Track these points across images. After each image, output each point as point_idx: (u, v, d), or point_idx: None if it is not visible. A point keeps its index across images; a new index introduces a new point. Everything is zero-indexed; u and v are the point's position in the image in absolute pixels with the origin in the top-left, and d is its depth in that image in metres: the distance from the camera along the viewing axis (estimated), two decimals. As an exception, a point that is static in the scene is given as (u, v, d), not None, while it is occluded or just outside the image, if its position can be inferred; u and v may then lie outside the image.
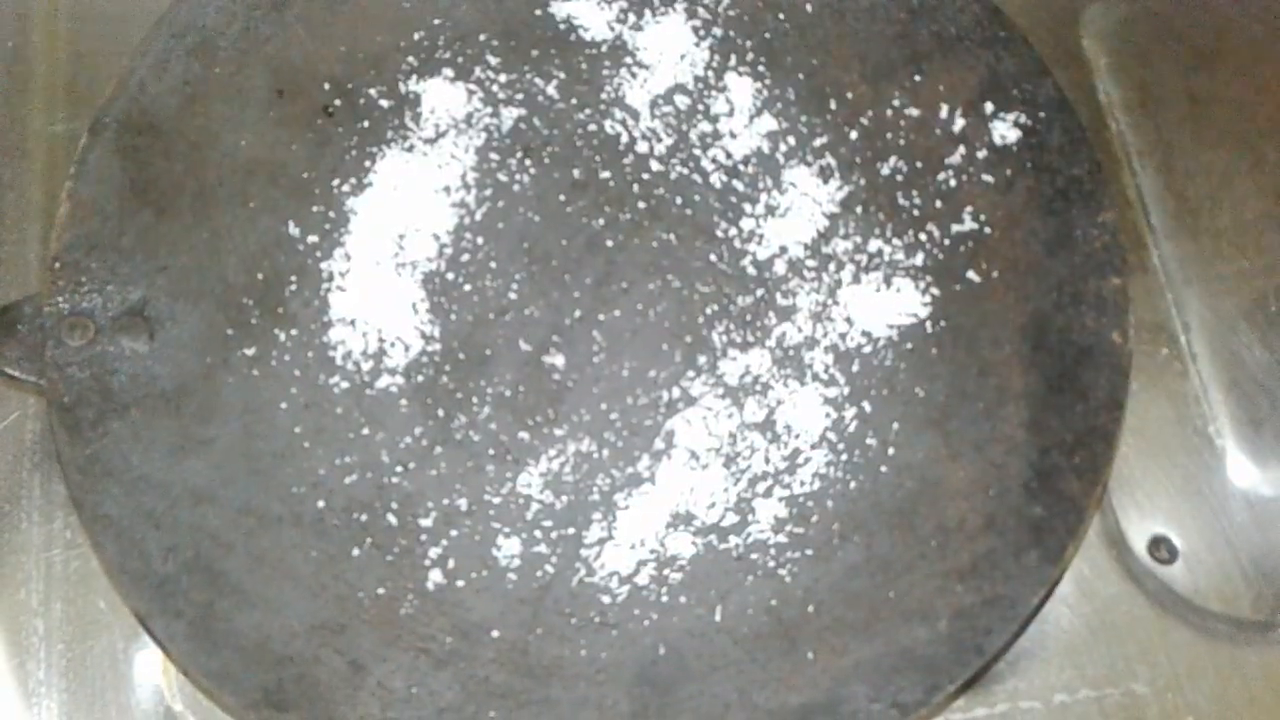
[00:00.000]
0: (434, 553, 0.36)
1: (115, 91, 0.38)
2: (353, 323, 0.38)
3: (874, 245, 0.39)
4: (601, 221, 0.40)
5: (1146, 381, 0.41)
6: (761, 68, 0.41)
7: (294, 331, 0.38)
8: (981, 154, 0.39)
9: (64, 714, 0.36)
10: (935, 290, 0.38)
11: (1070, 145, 0.39)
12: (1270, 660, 0.38)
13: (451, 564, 0.36)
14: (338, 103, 0.40)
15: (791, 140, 0.40)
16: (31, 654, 0.37)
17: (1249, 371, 0.41)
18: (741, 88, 0.41)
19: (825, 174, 0.40)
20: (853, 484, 0.36)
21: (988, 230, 0.38)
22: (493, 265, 0.39)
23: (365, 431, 0.37)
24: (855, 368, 0.38)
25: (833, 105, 0.41)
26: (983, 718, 0.37)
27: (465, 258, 0.39)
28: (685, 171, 0.40)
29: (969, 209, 0.39)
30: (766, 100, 0.41)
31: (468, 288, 0.39)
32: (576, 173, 0.40)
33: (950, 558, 0.34)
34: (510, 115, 0.41)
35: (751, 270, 0.39)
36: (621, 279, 0.39)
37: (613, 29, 0.42)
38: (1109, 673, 0.37)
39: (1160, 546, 0.39)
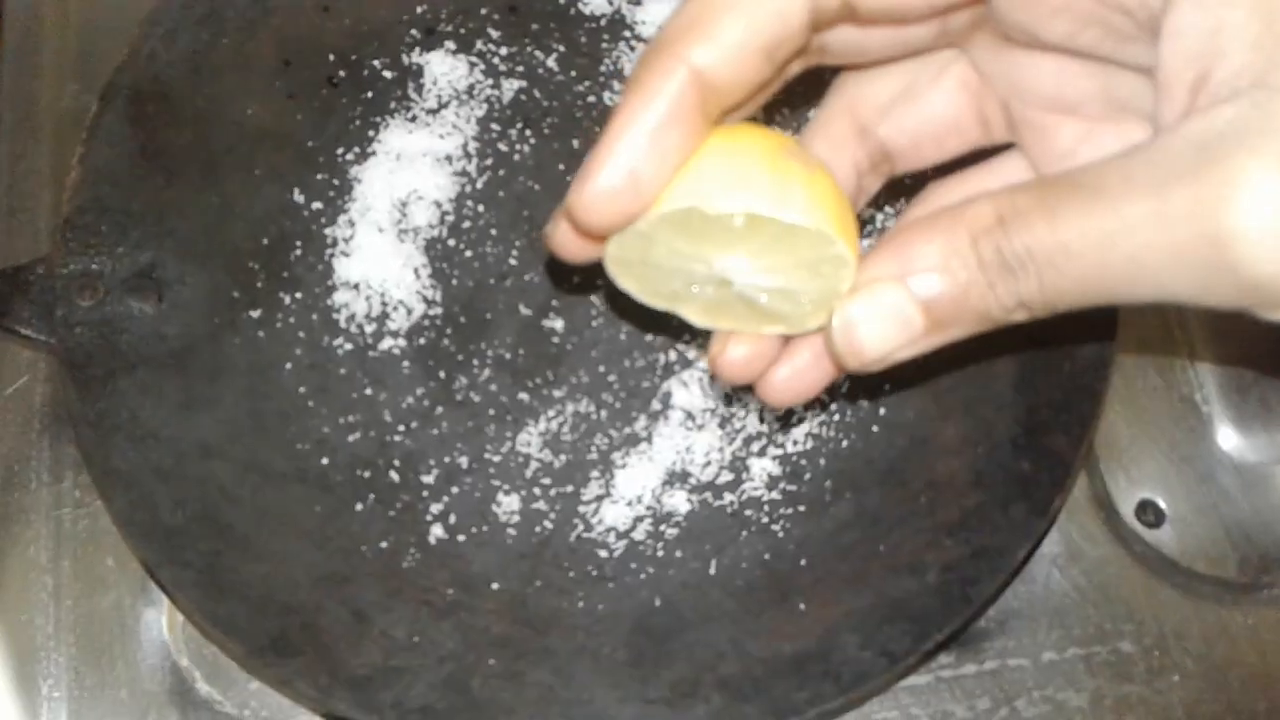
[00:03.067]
0: (435, 508, 0.36)
1: (126, 60, 0.39)
2: (356, 287, 0.39)
3: (867, 214, 0.40)
4: (600, 190, 0.41)
5: (1135, 351, 0.42)
6: (757, 41, 0.42)
7: (299, 295, 0.39)
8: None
9: (72, 668, 0.37)
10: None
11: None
12: (1254, 621, 0.38)
13: (453, 519, 0.36)
14: (342, 74, 0.41)
15: (786, 110, 0.41)
16: (40, 610, 0.38)
17: (1235, 339, 0.42)
18: (738, 60, 0.42)
19: (819, 144, 0.41)
20: (844, 442, 0.37)
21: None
22: (493, 232, 0.40)
23: (368, 392, 0.38)
24: (848, 331, 0.38)
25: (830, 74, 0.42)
26: (972, 675, 0.37)
27: (466, 225, 0.40)
28: (682, 142, 0.41)
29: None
30: (762, 72, 0.42)
31: (469, 254, 0.40)
32: (575, 143, 0.41)
33: (939, 512, 0.35)
34: (511, 87, 0.42)
35: (747, 237, 0.40)
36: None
37: (612, 3, 0.43)
38: (1097, 632, 0.38)
39: (1147, 510, 0.40)
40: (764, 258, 0.24)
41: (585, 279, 0.39)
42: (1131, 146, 0.22)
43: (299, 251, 0.39)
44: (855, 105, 0.28)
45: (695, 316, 0.26)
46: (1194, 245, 0.20)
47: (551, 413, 0.38)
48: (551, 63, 0.42)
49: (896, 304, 0.23)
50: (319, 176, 0.40)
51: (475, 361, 0.38)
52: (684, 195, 0.23)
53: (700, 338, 0.39)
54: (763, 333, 0.26)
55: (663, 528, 0.36)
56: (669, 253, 0.24)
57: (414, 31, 0.42)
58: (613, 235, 0.24)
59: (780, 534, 0.36)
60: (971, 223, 0.22)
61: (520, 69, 0.42)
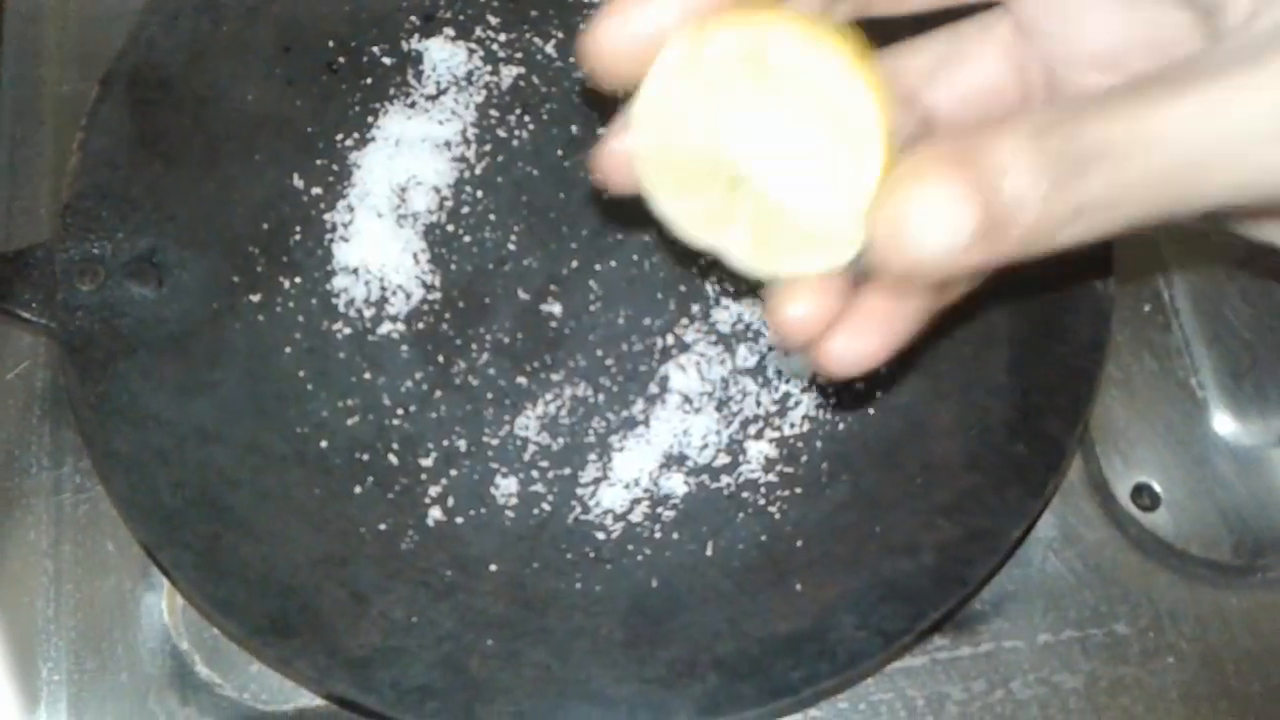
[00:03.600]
0: (434, 491, 0.37)
1: (126, 47, 0.39)
2: (355, 271, 0.39)
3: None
4: (598, 176, 0.41)
5: (1130, 335, 0.42)
6: (754, 27, 0.42)
7: (298, 279, 0.39)
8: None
9: (72, 652, 0.37)
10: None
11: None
12: (1249, 603, 0.39)
13: (451, 502, 0.37)
14: (342, 60, 0.42)
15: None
16: (41, 593, 0.38)
17: (1230, 325, 0.42)
18: (735, 47, 0.42)
19: (816, 130, 0.41)
20: (841, 425, 0.37)
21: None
22: (492, 217, 0.40)
23: (367, 375, 0.38)
24: (844, 315, 0.39)
25: (824, 63, 0.42)
26: (968, 657, 0.38)
27: (465, 210, 0.40)
28: (680, 128, 0.41)
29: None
30: (759, 59, 0.42)
31: (467, 239, 0.40)
32: (574, 129, 0.41)
33: (935, 494, 0.35)
34: (510, 73, 0.42)
35: (744, 222, 0.40)
36: (617, 230, 0.40)
37: (610, -10, 0.43)
38: (1092, 614, 0.38)
39: (1143, 494, 0.40)
40: (789, 112, 0.21)
41: (583, 263, 0.40)
42: (1200, 51, 0.21)
43: (298, 236, 0.39)
44: (899, 75, 0.27)
45: (737, 250, 0.24)
46: None
47: (549, 396, 0.38)
48: (550, 49, 0.42)
49: (949, 196, 0.20)
50: (318, 162, 0.40)
51: (474, 345, 0.39)
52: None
53: (699, 321, 0.39)
54: (810, 272, 0.23)
55: (660, 510, 0.37)
56: (688, 125, 0.22)
57: (413, 18, 0.42)
58: (633, 106, 0.22)
59: (777, 515, 0.36)
60: (1037, 118, 0.21)
61: (519, 55, 0.42)
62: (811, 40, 0.21)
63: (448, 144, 0.41)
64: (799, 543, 0.35)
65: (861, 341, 0.24)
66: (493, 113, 0.41)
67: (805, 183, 0.22)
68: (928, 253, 0.21)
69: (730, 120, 0.22)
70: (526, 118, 0.41)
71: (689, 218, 0.24)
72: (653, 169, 0.24)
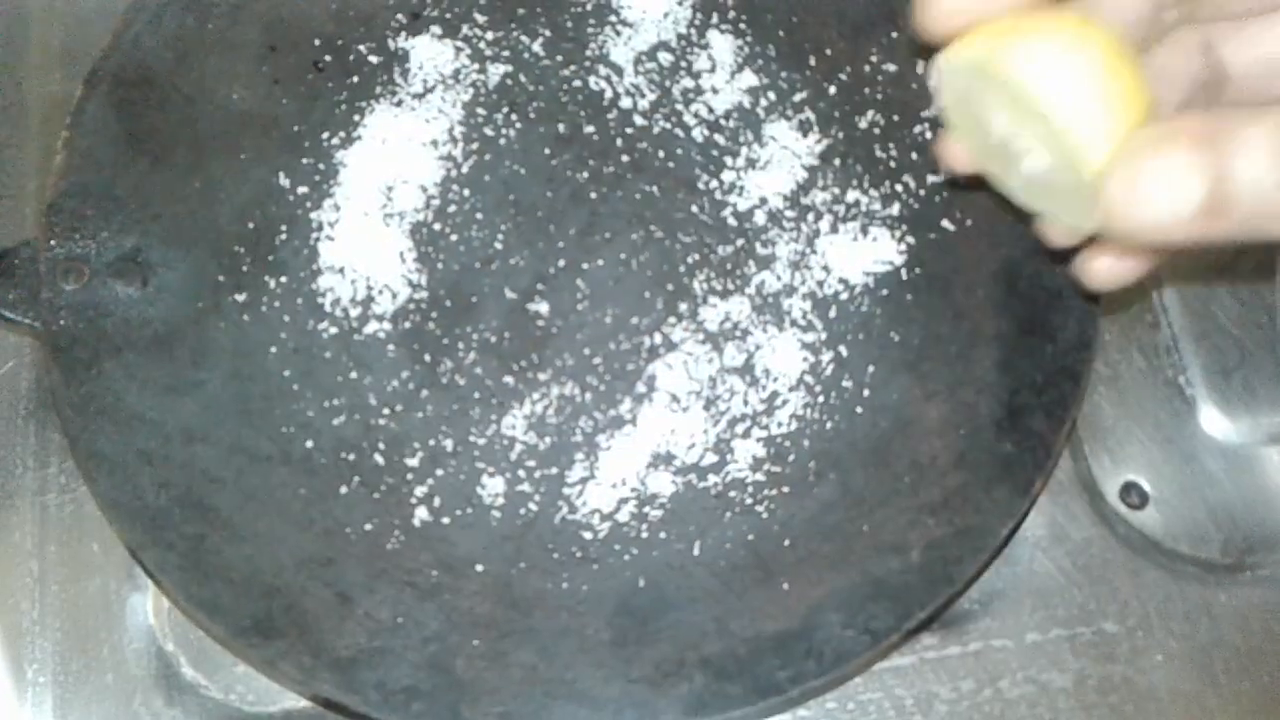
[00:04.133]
0: (420, 491, 0.37)
1: (111, 45, 0.39)
2: (341, 271, 0.39)
3: (852, 196, 0.40)
4: (585, 174, 0.41)
5: (1118, 333, 0.42)
6: (743, 25, 0.42)
7: (284, 279, 0.39)
8: (956, 108, 0.40)
9: (58, 653, 0.37)
10: (910, 239, 0.39)
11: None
12: (1237, 602, 0.39)
13: (437, 502, 0.36)
14: (328, 58, 0.41)
15: (772, 95, 0.41)
16: (26, 595, 0.38)
17: (1219, 323, 0.42)
18: (723, 45, 0.42)
19: (804, 128, 0.41)
20: (829, 424, 0.37)
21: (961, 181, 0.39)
22: (479, 216, 0.40)
23: (353, 375, 0.38)
24: (832, 314, 0.39)
25: (812, 61, 0.42)
26: (956, 656, 0.38)
27: (452, 209, 0.40)
28: (668, 126, 0.41)
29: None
30: (748, 57, 0.42)
31: (454, 238, 0.40)
32: (561, 127, 0.41)
33: (922, 493, 0.35)
34: (497, 72, 0.42)
35: (732, 221, 0.40)
36: (605, 229, 0.40)
37: (597, -12, 0.43)
38: (1080, 613, 0.38)
39: (1131, 492, 0.40)
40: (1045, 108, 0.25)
41: (570, 262, 0.39)
42: None
43: (284, 236, 0.39)
44: (1207, 9, 0.27)
45: (1018, 191, 0.29)
46: None
47: (536, 395, 0.38)
48: (537, 47, 0.42)
49: (1185, 165, 0.21)
50: (304, 161, 0.40)
51: (460, 345, 0.38)
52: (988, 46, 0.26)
53: (686, 320, 0.39)
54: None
55: (647, 509, 0.36)
56: (967, 95, 0.27)
57: (400, 16, 0.42)
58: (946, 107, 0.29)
59: (764, 515, 0.36)
60: None
61: (506, 53, 0.42)
62: (1068, 42, 0.25)
63: (434, 143, 0.41)
64: (786, 542, 0.35)
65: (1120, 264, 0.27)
66: (480, 111, 0.41)
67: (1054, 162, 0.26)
68: (1150, 218, 0.22)
69: (1006, 116, 0.27)
70: (514, 116, 0.41)
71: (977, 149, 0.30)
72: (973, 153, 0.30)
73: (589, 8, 0.43)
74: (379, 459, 0.37)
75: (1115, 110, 0.24)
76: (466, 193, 0.40)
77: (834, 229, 0.40)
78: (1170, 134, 0.22)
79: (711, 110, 0.41)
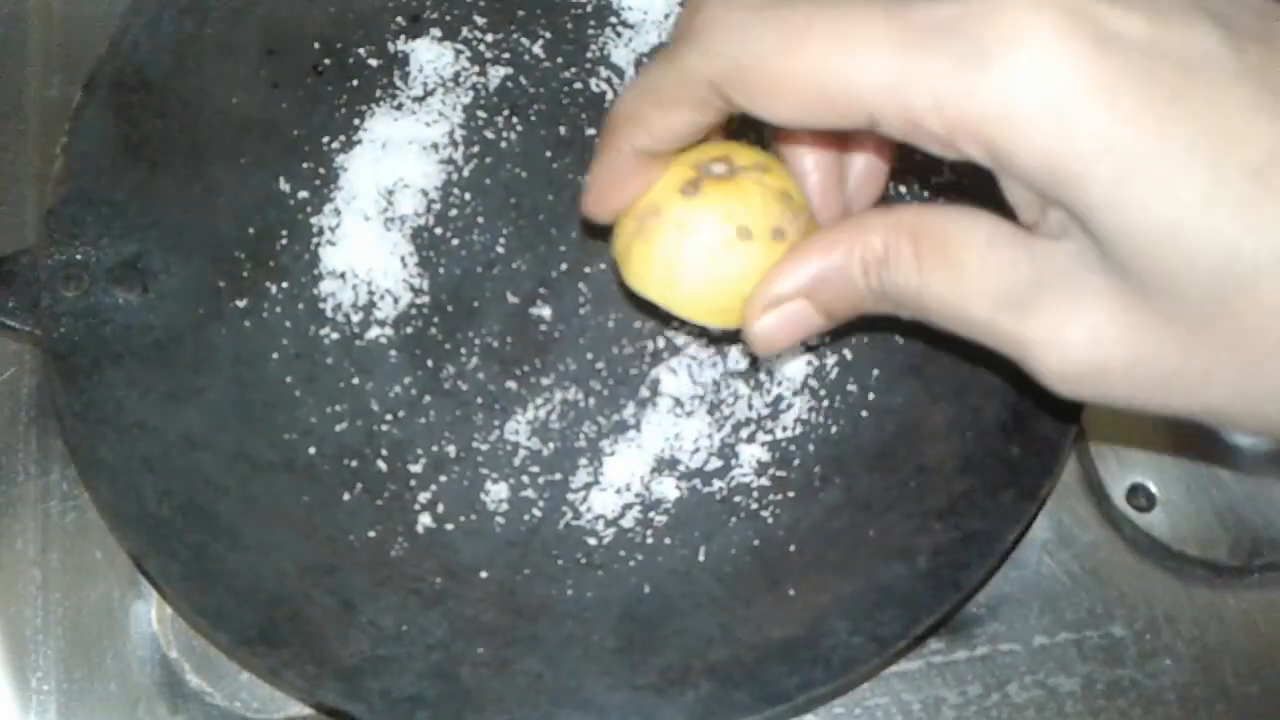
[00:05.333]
0: (423, 497, 0.36)
1: (109, 50, 0.39)
2: (342, 276, 0.39)
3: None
4: (587, 177, 0.40)
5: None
6: (744, 26, 0.42)
7: (285, 284, 0.39)
8: (960, 108, 0.40)
9: (61, 661, 0.37)
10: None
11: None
12: (1246, 604, 0.38)
13: (441, 508, 0.36)
14: (327, 62, 0.41)
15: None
16: (29, 602, 0.38)
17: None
18: (725, 46, 0.42)
19: (807, 129, 0.41)
20: (834, 428, 0.37)
21: (965, 182, 0.39)
22: (480, 220, 0.40)
23: (355, 381, 0.38)
24: (837, 317, 0.38)
25: (815, 62, 0.41)
26: (963, 660, 0.37)
27: (453, 213, 0.40)
28: (670, 128, 0.41)
29: (948, 163, 0.39)
30: (749, 58, 0.42)
31: (455, 242, 0.40)
32: (562, 130, 0.41)
33: (929, 497, 0.35)
34: (497, 74, 0.42)
35: (735, 223, 0.40)
36: (607, 233, 0.39)
37: (598, -11, 0.43)
38: (1088, 616, 0.38)
39: (1138, 494, 0.40)
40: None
41: (573, 265, 0.39)
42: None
43: (285, 241, 0.39)
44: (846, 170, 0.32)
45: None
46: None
47: (539, 401, 0.38)
48: (538, 49, 0.42)
49: (799, 313, 0.28)
50: (304, 165, 0.40)
51: (463, 350, 0.38)
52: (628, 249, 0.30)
53: (689, 324, 0.38)
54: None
55: (651, 515, 0.36)
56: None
57: (399, 19, 0.42)
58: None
59: (769, 520, 0.36)
60: (864, 251, 0.26)
61: (506, 56, 0.42)
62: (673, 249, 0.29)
63: (435, 146, 0.41)
64: (792, 547, 0.35)
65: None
66: (480, 114, 0.41)
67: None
68: (785, 346, 0.29)
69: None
70: (514, 119, 0.41)
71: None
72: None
73: (589, 9, 0.42)
74: (382, 465, 0.37)
75: (723, 292, 0.29)
76: (467, 196, 0.40)
77: (838, 231, 0.39)
78: (778, 297, 0.27)
79: (714, 112, 0.41)
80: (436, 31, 0.42)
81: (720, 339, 0.38)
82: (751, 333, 0.28)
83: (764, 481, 0.36)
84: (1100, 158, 0.21)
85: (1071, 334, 0.23)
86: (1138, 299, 0.22)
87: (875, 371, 0.37)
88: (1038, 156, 0.21)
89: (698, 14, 0.25)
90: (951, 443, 0.35)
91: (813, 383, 0.38)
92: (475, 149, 0.41)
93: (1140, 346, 0.23)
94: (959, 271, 0.25)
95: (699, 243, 0.28)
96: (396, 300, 0.39)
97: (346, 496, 0.36)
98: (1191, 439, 0.40)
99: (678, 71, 0.25)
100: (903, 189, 0.40)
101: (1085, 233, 0.23)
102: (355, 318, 0.38)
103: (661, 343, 0.38)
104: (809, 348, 0.38)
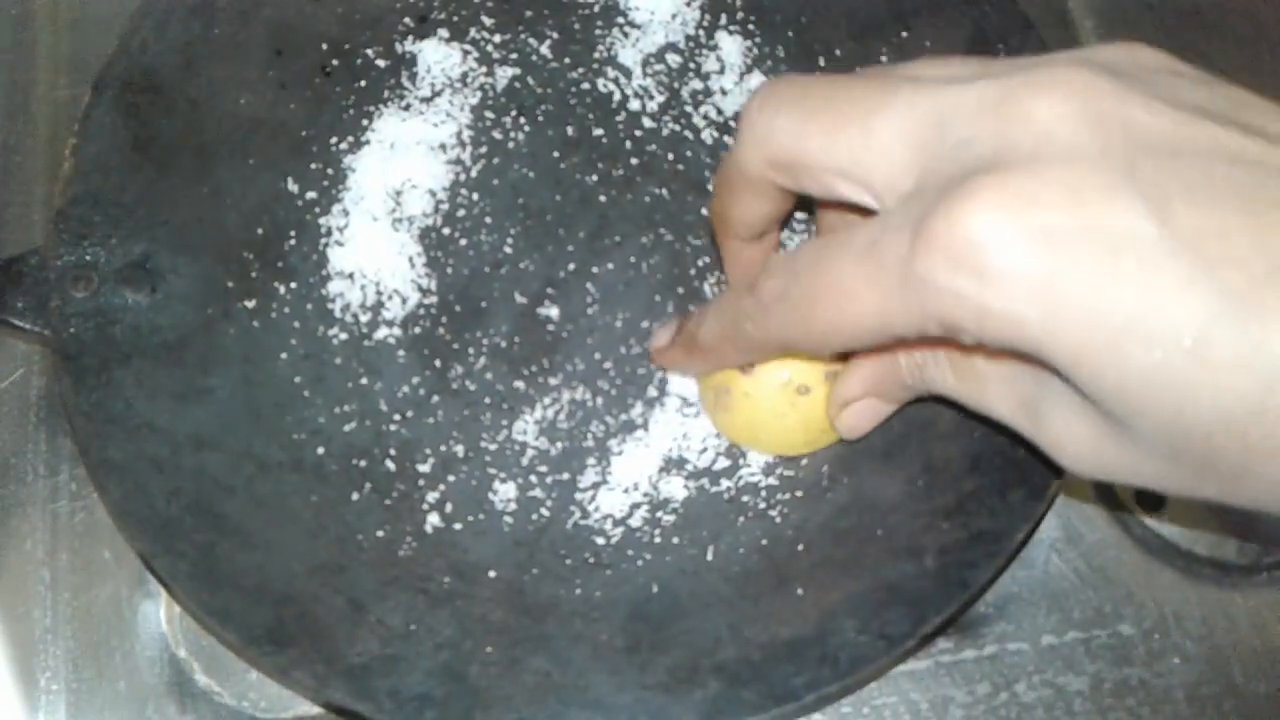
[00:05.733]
0: (432, 497, 0.36)
1: (117, 52, 0.39)
2: (351, 276, 0.39)
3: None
4: (595, 177, 0.40)
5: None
6: (751, 26, 0.42)
7: (293, 285, 0.39)
8: (967, 107, 0.40)
9: (70, 660, 0.37)
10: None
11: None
12: (1255, 602, 0.38)
13: (449, 508, 0.36)
14: (335, 63, 0.41)
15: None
16: (38, 602, 0.38)
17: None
18: (732, 46, 0.42)
19: (814, 129, 0.41)
20: (842, 428, 0.37)
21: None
22: (488, 220, 0.40)
23: (364, 381, 0.38)
24: (844, 316, 0.38)
25: (821, 62, 0.41)
26: (971, 659, 0.37)
27: (461, 213, 0.40)
28: (677, 128, 0.41)
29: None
30: (757, 58, 0.42)
31: (463, 242, 0.40)
32: (570, 130, 0.41)
33: (937, 497, 0.35)
34: (505, 74, 0.42)
35: (742, 223, 0.40)
36: (615, 233, 0.40)
37: (605, -10, 0.43)
38: (1096, 615, 0.38)
39: (1146, 494, 0.40)
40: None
41: (580, 266, 0.39)
42: None
43: (293, 241, 0.39)
44: None
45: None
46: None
47: (547, 400, 0.38)
48: (545, 50, 0.42)
49: (867, 406, 0.34)
50: (313, 166, 0.40)
51: (471, 350, 0.38)
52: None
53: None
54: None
55: (660, 514, 0.36)
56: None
57: (407, 19, 0.42)
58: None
59: (777, 519, 0.36)
60: (907, 359, 0.32)
61: (514, 56, 0.42)
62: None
63: (443, 146, 0.41)
64: (800, 547, 0.35)
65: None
66: (488, 115, 0.41)
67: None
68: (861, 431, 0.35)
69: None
70: (522, 119, 0.41)
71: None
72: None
73: (596, 9, 0.42)
74: (390, 465, 0.37)
75: (797, 437, 0.35)
76: (475, 197, 0.40)
77: (845, 230, 0.39)
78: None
79: (721, 112, 0.41)
80: (444, 32, 0.42)
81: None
82: (839, 428, 0.35)
83: (772, 481, 0.36)
84: (1056, 337, 0.23)
85: (1073, 445, 0.26)
86: (1118, 430, 0.25)
87: (883, 371, 0.37)
88: (1009, 339, 0.24)
89: (746, 291, 0.30)
90: (960, 442, 0.35)
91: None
92: (483, 149, 0.41)
93: (1130, 459, 0.25)
94: (982, 383, 0.29)
95: (768, 408, 0.34)
96: (404, 300, 0.39)
97: (355, 496, 0.36)
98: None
99: (750, 334, 0.30)
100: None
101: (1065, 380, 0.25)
102: (363, 318, 0.39)
103: (669, 342, 0.38)
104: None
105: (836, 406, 0.34)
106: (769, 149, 0.28)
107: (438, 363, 0.38)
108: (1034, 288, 0.23)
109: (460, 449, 0.37)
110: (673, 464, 0.37)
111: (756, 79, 0.41)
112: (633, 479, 0.37)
